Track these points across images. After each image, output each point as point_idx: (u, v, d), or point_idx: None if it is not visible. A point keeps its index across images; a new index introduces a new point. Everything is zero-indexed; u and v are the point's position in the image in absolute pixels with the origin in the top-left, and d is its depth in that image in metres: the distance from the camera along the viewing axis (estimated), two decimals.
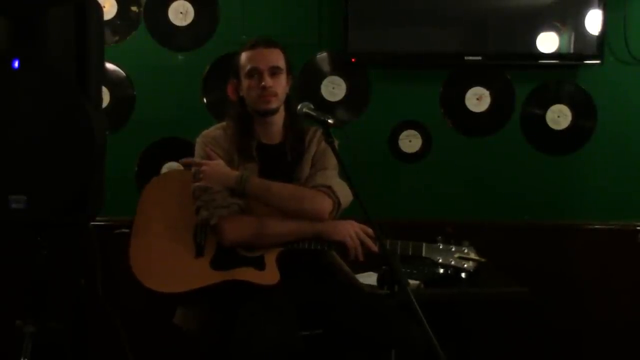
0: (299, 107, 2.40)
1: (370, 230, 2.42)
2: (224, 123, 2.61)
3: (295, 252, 2.45)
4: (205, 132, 2.59)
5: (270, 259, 2.43)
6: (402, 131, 3.50)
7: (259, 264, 2.42)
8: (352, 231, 2.43)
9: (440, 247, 2.43)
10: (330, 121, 2.29)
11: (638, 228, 3.46)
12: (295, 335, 2.27)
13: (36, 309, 2.66)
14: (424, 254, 2.42)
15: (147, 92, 3.43)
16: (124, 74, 3.41)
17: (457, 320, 3.14)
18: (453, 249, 2.43)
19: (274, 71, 2.50)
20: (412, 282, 2.78)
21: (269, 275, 2.41)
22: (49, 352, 2.75)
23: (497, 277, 3.06)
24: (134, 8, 3.41)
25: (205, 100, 3.45)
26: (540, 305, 3.34)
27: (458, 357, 2.62)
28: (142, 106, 3.42)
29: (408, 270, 2.90)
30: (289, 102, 2.59)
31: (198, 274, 2.43)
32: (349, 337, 2.38)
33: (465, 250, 2.42)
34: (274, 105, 2.51)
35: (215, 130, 2.59)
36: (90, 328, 3.25)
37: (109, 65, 3.33)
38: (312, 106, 2.41)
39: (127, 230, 2.54)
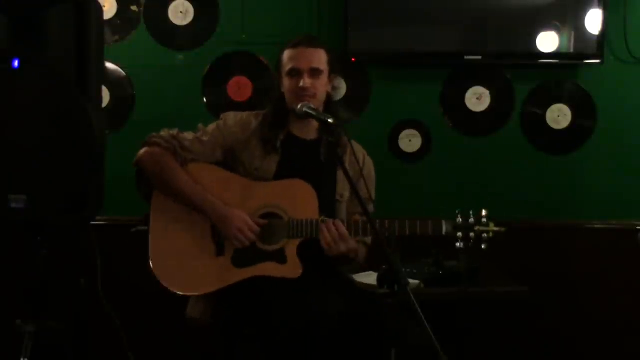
0: (299, 106, 2.40)
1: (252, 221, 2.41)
2: (254, 112, 2.60)
3: (316, 245, 2.40)
4: (234, 112, 2.59)
5: (291, 251, 2.40)
6: (402, 131, 3.50)
7: (280, 258, 2.41)
8: (234, 232, 2.38)
9: (460, 221, 2.44)
10: (330, 121, 2.29)
11: (638, 228, 3.46)
12: (332, 307, 2.26)
13: (36, 309, 2.66)
14: (444, 232, 2.43)
15: (147, 91, 3.42)
16: (124, 73, 3.41)
17: (457, 320, 3.13)
18: (472, 221, 2.43)
19: (314, 72, 2.46)
20: (412, 282, 2.78)
21: (291, 269, 2.39)
22: (49, 352, 2.75)
23: (497, 277, 3.07)
24: (134, 8, 3.40)
25: (205, 100, 3.44)
26: (540, 305, 3.34)
27: (458, 357, 2.60)
28: (142, 106, 3.42)
29: (408, 270, 2.90)
30: (330, 102, 2.57)
31: (222, 274, 2.40)
32: (349, 336, 2.37)
33: (485, 221, 2.44)
34: (311, 106, 2.43)
35: (244, 113, 2.58)
36: (90, 328, 3.25)
37: (109, 65, 3.33)
38: (312, 106, 2.41)
39: (144, 228, 2.48)
